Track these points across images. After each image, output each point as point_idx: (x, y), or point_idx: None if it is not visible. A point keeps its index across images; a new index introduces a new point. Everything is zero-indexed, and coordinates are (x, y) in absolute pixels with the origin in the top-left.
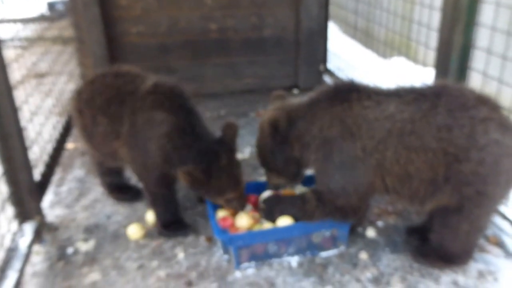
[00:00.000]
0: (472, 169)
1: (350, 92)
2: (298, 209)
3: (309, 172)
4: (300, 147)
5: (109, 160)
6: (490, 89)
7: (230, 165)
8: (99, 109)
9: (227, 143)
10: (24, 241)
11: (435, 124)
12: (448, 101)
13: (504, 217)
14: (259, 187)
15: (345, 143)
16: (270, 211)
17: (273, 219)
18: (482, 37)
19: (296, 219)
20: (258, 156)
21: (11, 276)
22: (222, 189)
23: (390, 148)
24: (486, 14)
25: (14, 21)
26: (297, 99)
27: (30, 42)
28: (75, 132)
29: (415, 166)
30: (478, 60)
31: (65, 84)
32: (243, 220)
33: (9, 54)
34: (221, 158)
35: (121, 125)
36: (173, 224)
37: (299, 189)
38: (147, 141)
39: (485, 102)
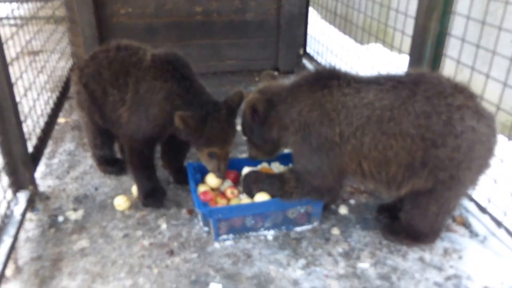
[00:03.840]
0: (448, 155)
1: (331, 79)
2: (277, 189)
3: (285, 150)
4: (278, 129)
5: (113, 127)
6: (462, 76)
7: (226, 121)
8: (108, 81)
9: (230, 105)
10: (18, 209)
11: (413, 111)
12: (426, 88)
13: (471, 198)
14: (239, 164)
15: (323, 128)
16: (249, 188)
17: (251, 196)
18: (457, 25)
19: (274, 196)
20: (242, 129)
21: (6, 241)
22: (210, 140)
23: (369, 134)
24: (462, 3)
25: (10, 0)
26: (280, 82)
27: (24, 21)
28: (67, 106)
29: (393, 151)
30: (452, 47)
31: (57, 61)
32: (213, 179)
33: (5, 32)
34: (221, 110)
35: (126, 94)
36: (152, 192)
37: (276, 166)
38: (149, 107)
39: (461, 91)
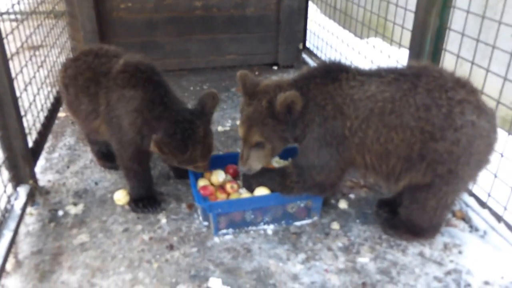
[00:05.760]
0: (447, 148)
1: (340, 72)
2: (278, 183)
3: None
4: (302, 125)
5: (93, 135)
6: (462, 70)
7: (206, 136)
8: (81, 88)
9: (205, 113)
10: (18, 203)
11: (414, 104)
12: (428, 81)
13: (471, 193)
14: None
15: (336, 122)
16: (249, 183)
17: (251, 190)
18: (456, 19)
19: (274, 191)
20: (260, 133)
21: (7, 235)
22: (194, 159)
23: (372, 127)
24: None
25: None
26: (278, 77)
27: (24, 16)
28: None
29: (394, 144)
30: (452, 42)
31: (57, 56)
32: (217, 177)
33: (5, 27)
34: (198, 128)
35: (99, 105)
36: (144, 200)
37: (276, 161)
38: (120, 118)
39: (463, 85)
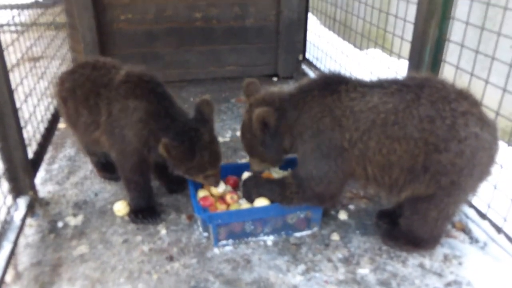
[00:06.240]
0: (451, 160)
1: (340, 84)
2: (277, 194)
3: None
4: (291, 137)
5: (93, 147)
6: (462, 82)
7: (211, 142)
8: (80, 101)
9: (206, 120)
10: (18, 215)
11: (418, 115)
12: (431, 93)
13: (471, 204)
14: (239, 169)
15: (333, 134)
16: (248, 193)
17: (251, 201)
18: (456, 30)
19: (273, 202)
20: (245, 144)
21: (6, 247)
22: (203, 167)
23: (374, 138)
24: (461, 8)
25: (11, 7)
26: (277, 88)
27: (25, 27)
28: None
29: (397, 155)
30: (451, 53)
31: (57, 68)
32: (219, 186)
33: (5, 38)
34: (203, 135)
35: (100, 116)
36: (144, 211)
37: (276, 171)
38: (123, 129)
39: (466, 97)
